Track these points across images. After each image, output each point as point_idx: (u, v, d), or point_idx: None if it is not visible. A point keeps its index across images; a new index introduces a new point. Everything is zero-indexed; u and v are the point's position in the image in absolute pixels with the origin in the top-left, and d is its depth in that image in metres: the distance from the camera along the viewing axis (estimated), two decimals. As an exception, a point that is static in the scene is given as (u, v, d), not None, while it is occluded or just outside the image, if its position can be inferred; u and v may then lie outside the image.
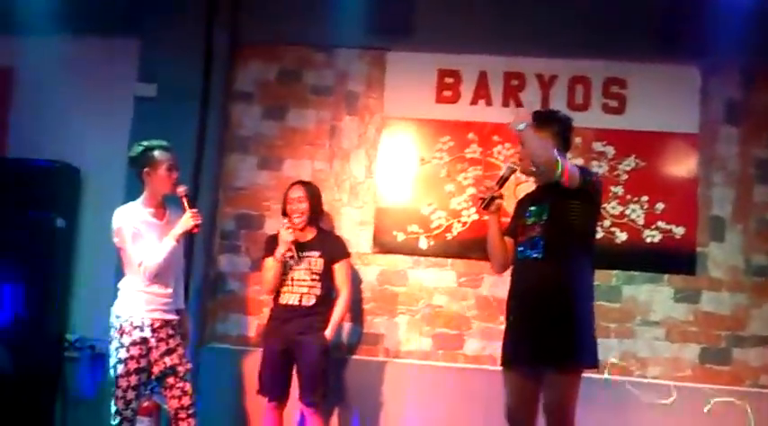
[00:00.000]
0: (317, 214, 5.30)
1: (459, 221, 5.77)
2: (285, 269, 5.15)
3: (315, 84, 5.95)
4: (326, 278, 5.20)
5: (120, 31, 5.71)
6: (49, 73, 5.63)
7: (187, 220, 4.71)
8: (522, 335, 4.19)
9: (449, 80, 5.85)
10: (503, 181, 4.33)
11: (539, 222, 4.21)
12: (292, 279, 5.17)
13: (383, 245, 5.81)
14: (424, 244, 5.78)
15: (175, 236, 4.70)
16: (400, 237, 5.80)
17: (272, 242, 5.24)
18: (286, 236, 5.12)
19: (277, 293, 5.21)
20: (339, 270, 5.24)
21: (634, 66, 5.74)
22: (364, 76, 5.93)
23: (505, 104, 5.77)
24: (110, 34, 5.72)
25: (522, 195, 4.56)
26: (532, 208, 4.26)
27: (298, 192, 5.24)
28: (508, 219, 4.51)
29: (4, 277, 5.42)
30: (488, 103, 5.82)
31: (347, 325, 5.68)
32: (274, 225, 5.55)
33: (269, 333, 5.23)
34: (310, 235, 5.24)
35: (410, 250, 5.79)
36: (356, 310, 5.73)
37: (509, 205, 4.54)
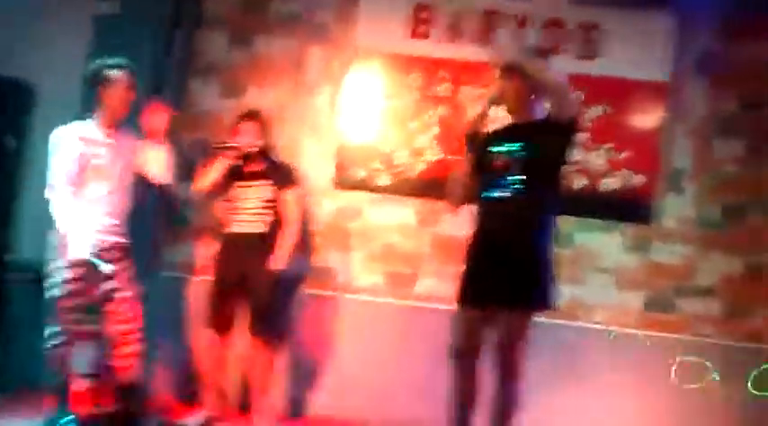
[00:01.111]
0: (268, 146, 5.17)
1: (421, 160, 5.70)
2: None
3: (284, 12, 5.73)
4: (275, 206, 5.12)
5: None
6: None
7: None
8: (485, 275, 4.18)
9: (423, 15, 5.67)
10: (484, 114, 4.25)
11: (512, 159, 4.14)
12: (241, 208, 5.11)
13: (343, 181, 5.73)
14: (384, 181, 5.72)
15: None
16: (361, 174, 5.73)
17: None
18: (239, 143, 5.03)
19: (226, 223, 5.15)
20: (287, 197, 5.14)
21: (608, 12, 5.61)
22: (336, 6, 5.71)
23: (479, 43, 5.62)
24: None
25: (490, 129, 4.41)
26: (506, 145, 4.18)
27: (249, 127, 5.09)
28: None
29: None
30: (461, 42, 5.66)
31: (299, 259, 5.59)
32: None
33: (217, 263, 5.17)
34: (262, 165, 5.12)
35: (370, 187, 5.72)
36: (311, 244, 5.69)
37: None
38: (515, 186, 4.11)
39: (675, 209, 5.66)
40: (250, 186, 5.11)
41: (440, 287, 5.54)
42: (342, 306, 5.69)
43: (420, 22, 5.69)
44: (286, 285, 5.31)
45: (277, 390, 5.48)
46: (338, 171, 5.74)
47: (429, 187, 5.65)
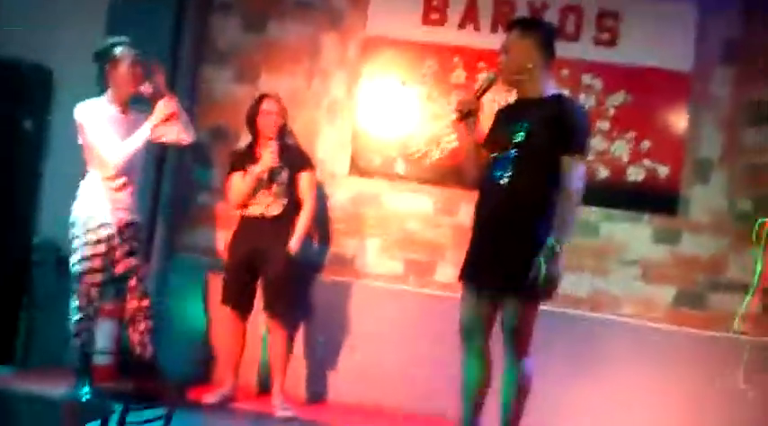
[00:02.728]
0: (285, 128, 5.26)
1: (438, 147, 5.63)
2: (257, 186, 5.12)
3: (298, -3, 5.78)
4: (291, 190, 5.17)
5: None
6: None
7: (162, 107, 4.75)
8: (483, 259, 4.08)
9: (436, 2, 5.65)
10: (482, 93, 4.16)
11: (514, 140, 4.02)
12: (257, 191, 5.13)
13: (359, 168, 5.67)
14: (401, 168, 5.67)
15: (151, 126, 4.74)
16: (377, 161, 5.68)
17: (239, 157, 5.22)
18: (269, 161, 5.06)
19: (243, 206, 5.18)
20: (302, 180, 5.21)
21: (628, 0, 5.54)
22: (349, -8, 5.75)
23: (494, 30, 5.55)
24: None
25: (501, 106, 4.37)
26: (510, 125, 4.08)
27: (272, 106, 5.17)
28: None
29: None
30: (476, 28, 5.62)
31: (317, 245, 5.62)
32: (250, 140, 5.39)
33: (234, 244, 5.21)
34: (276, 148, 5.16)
35: (387, 174, 5.67)
36: (328, 231, 5.66)
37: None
38: (513, 167, 4.00)
39: (704, 201, 5.47)
40: (263, 174, 5.12)
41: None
42: (361, 293, 5.62)
43: (433, 10, 5.66)
44: (303, 269, 5.34)
45: (297, 376, 5.47)
46: (354, 157, 5.70)
47: (446, 174, 5.59)
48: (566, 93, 4.55)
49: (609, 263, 5.52)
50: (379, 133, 5.71)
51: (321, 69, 5.75)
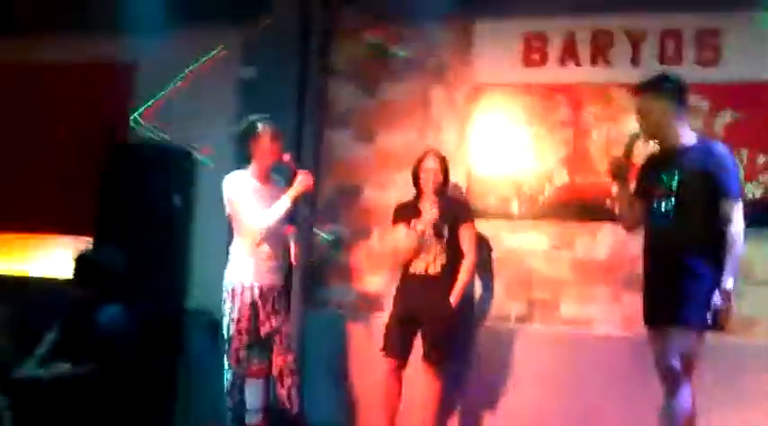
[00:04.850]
0: (447, 183, 5.47)
1: (550, 184, 5.79)
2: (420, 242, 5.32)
3: (405, 58, 6.10)
4: (452, 244, 5.32)
5: (223, 22, 6.12)
6: (165, 66, 6.21)
7: (301, 180, 5.15)
8: (653, 295, 4.40)
9: (536, 43, 5.86)
10: (629, 151, 4.47)
11: (669, 188, 4.31)
12: (419, 248, 5.33)
13: (476, 211, 5.78)
14: (516, 208, 5.84)
15: (291, 197, 5.14)
16: (493, 202, 5.88)
17: (402, 211, 5.45)
18: (429, 216, 5.31)
19: (407, 261, 5.37)
20: (464, 233, 5.35)
21: (726, 16, 5.51)
22: (453, 46, 6.02)
23: (594, 63, 5.72)
24: (214, 26, 6.14)
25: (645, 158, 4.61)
26: (662, 174, 4.36)
27: (431, 163, 5.39)
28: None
29: (130, 252, 5.55)
30: (577, 64, 5.78)
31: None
32: (372, 194, 6.00)
33: (397, 299, 5.42)
34: (437, 205, 5.36)
35: (503, 215, 5.85)
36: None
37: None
38: (672, 213, 4.30)
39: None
40: (425, 229, 5.34)
41: (584, 311, 5.59)
42: (491, 336, 5.75)
43: (533, 50, 5.88)
44: (461, 320, 5.45)
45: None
46: (470, 201, 5.86)
47: (560, 210, 5.75)
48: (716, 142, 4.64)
49: (738, 285, 5.42)
50: (491, 175, 5.92)
51: (432, 121, 6.05)
